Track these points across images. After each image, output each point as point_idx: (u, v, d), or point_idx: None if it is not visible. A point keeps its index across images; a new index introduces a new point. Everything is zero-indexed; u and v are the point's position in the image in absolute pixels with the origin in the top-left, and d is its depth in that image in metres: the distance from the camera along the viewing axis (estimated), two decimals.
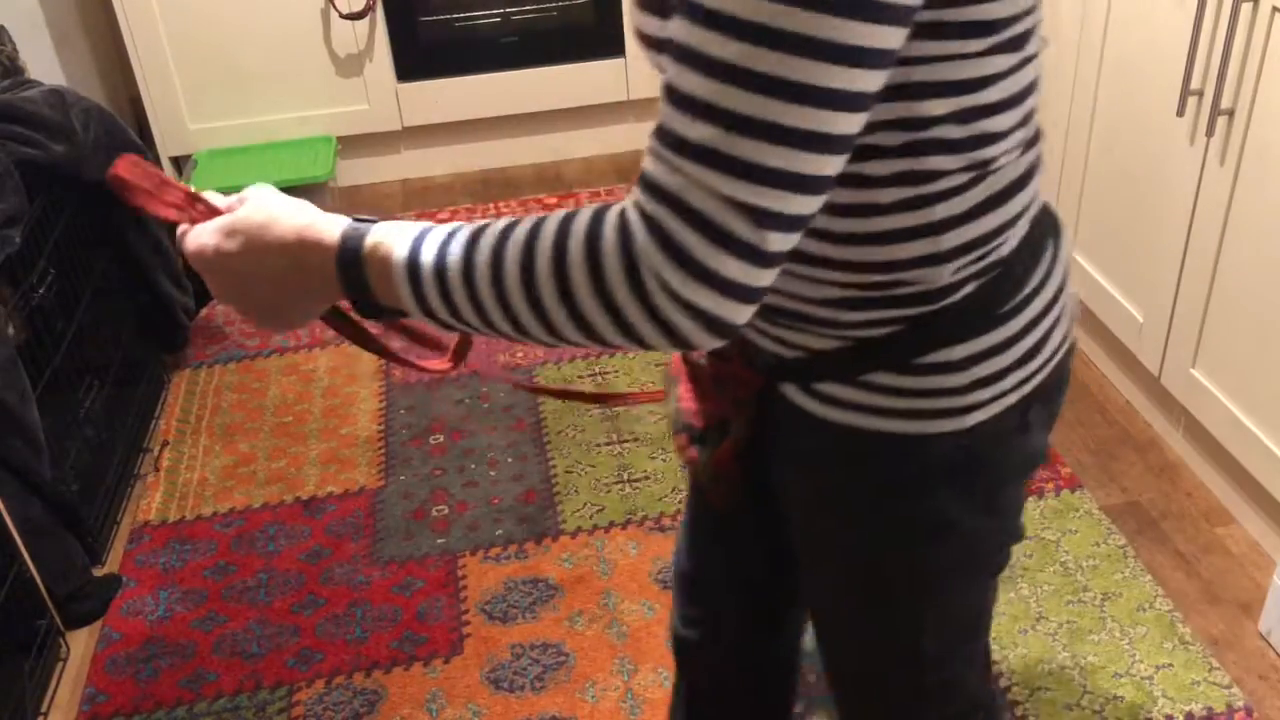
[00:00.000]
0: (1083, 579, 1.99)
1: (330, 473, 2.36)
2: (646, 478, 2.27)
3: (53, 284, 2.19)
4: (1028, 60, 0.81)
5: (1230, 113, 1.87)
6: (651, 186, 0.68)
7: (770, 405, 0.97)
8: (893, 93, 0.74)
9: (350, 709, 1.85)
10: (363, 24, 3.24)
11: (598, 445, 2.37)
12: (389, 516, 2.23)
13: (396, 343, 1.02)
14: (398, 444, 2.42)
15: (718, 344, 0.72)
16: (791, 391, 0.94)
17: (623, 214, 0.70)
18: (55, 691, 1.91)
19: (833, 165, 0.68)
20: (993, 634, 1.91)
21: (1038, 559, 2.03)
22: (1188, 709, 1.76)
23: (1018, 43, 0.79)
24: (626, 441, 2.37)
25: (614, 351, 2.65)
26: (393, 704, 1.85)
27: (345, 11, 3.20)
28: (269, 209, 0.84)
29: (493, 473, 2.32)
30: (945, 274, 0.84)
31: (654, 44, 0.77)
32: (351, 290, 0.81)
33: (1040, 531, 2.09)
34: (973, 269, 0.85)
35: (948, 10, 0.73)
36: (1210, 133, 1.91)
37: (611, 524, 2.16)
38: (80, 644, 2.00)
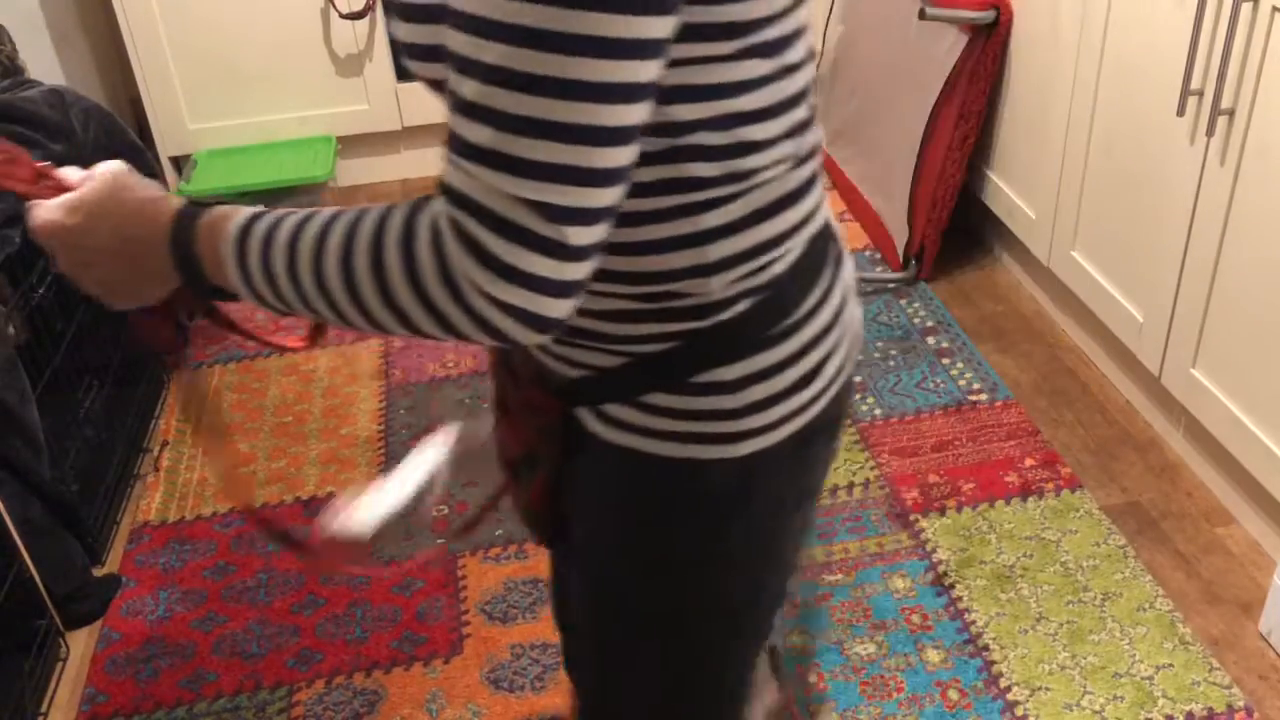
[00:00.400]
0: (1083, 579, 1.99)
1: (330, 473, 2.36)
2: None
3: (53, 284, 2.19)
4: (790, 69, 0.80)
5: (1230, 113, 1.87)
6: (449, 192, 0.70)
7: (570, 434, 0.94)
8: (676, 95, 0.75)
9: (350, 709, 1.85)
10: (362, 24, 3.24)
11: None
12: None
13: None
14: (398, 444, 2.42)
15: (543, 338, 0.73)
16: (584, 415, 0.92)
17: (435, 218, 0.71)
18: (55, 692, 1.91)
19: (617, 156, 0.69)
20: (994, 634, 1.92)
21: (1038, 559, 2.03)
22: (1188, 709, 1.76)
23: (773, 48, 0.78)
24: None
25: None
26: (393, 704, 1.85)
27: (345, 11, 3.20)
28: (115, 186, 0.86)
29: (493, 473, 2.32)
30: (715, 288, 0.83)
31: (422, 54, 0.77)
32: (182, 265, 0.82)
33: (1040, 532, 2.09)
34: (744, 285, 0.84)
35: (694, 10, 0.72)
36: (1210, 133, 1.91)
37: None
38: (80, 644, 2.00)
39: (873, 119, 3.07)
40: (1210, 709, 1.76)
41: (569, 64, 0.65)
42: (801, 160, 0.85)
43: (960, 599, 1.97)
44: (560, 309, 0.72)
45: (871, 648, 1.89)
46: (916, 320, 2.70)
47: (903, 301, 2.76)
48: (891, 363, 2.56)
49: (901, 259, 2.84)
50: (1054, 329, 2.65)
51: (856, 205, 3.12)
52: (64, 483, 2.07)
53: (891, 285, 2.83)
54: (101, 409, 2.33)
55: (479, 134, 0.68)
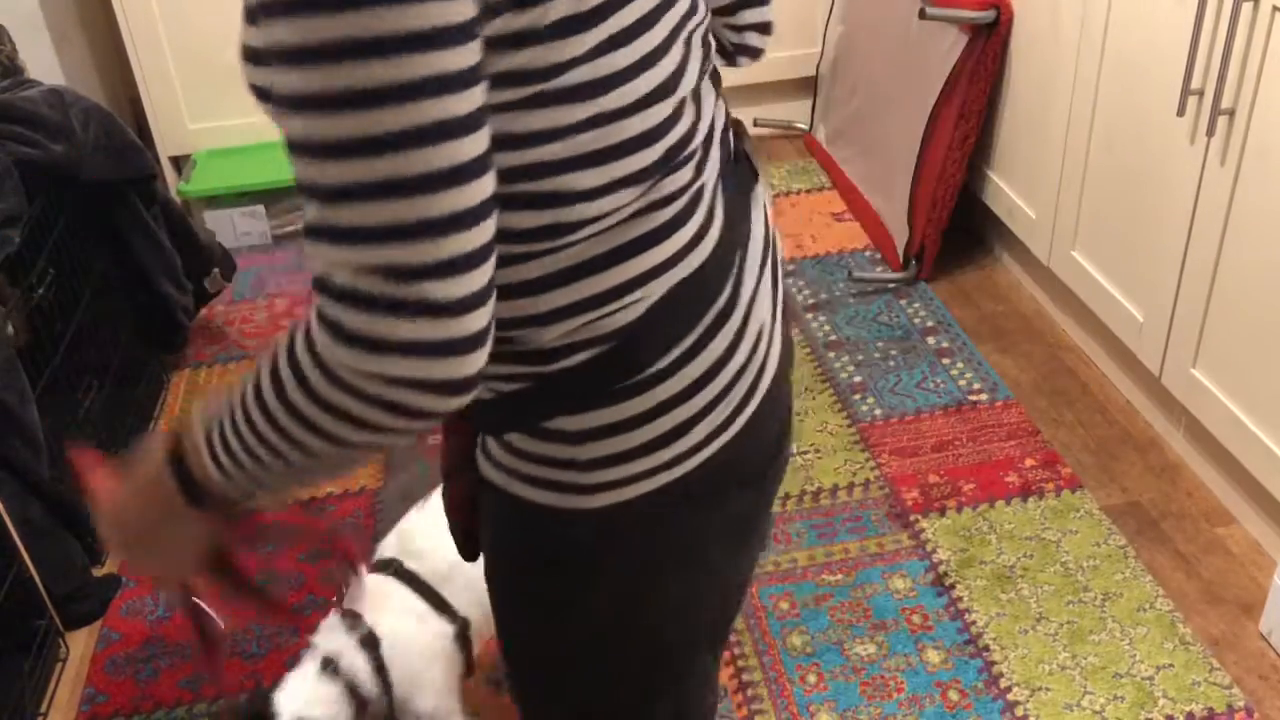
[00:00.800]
0: (1083, 579, 1.99)
1: None
2: None
3: (52, 284, 2.18)
4: (610, 117, 0.73)
5: (1231, 112, 1.87)
6: (313, 282, 0.67)
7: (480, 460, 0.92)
8: None
9: None
10: None
11: None
12: (389, 516, 2.23)
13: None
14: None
15: (461, 401, 0.69)
16: (480, 448, 0.90)
17: (305, 316, 0.69)
18: (55, 692, 1.91)
19: (456, 198, 0.65)
20: (994, 634, 1.92)
21: (1038, 559, 2.03)
22: (1188, 709, 1.76)
23: (577, 94, 0.71)
24: None
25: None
26: None
27: None
28: (146, 451, 0.84)
29: None
30: (548, 336, 0.79)
31: (260, 94, 0.72)
32: (178, 474, 0.80)
33: (1040, 532, 2.08)
34: (581, 336, 0.79)
35: (485, 56, 0.68)
36: (1211, 132, 1.91)
37: None
38: (80, 644, 2.00)
39: (873, 119, 3.06)
40: (1210, 709, 1.76)
41: (366, 120, 0.62)
42: (663, 202, 0.78)
43: (960, 599, 1.96)
44: (462, 367, 0.68)
45: (871, 648, 1.89)
46: (916, 320, 2.69)
47: (903, 301, 2.76)
48: (891, 363, 2.56)
49: (901, 259, 2.84)
50: (1054, 329, 2.64)
51: (856, 205, 3.12)
52: (63, 483, 2.07)
53: (891, 285, 2.83)
54: (101, 409, 2.33)
55: (309, 212, 0.65)
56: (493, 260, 0.68)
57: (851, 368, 2.55)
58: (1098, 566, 2.01)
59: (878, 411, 2.41)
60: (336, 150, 0.63)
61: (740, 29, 1.01)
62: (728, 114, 0.92)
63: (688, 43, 0.81)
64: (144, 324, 2.56)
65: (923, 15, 2.57)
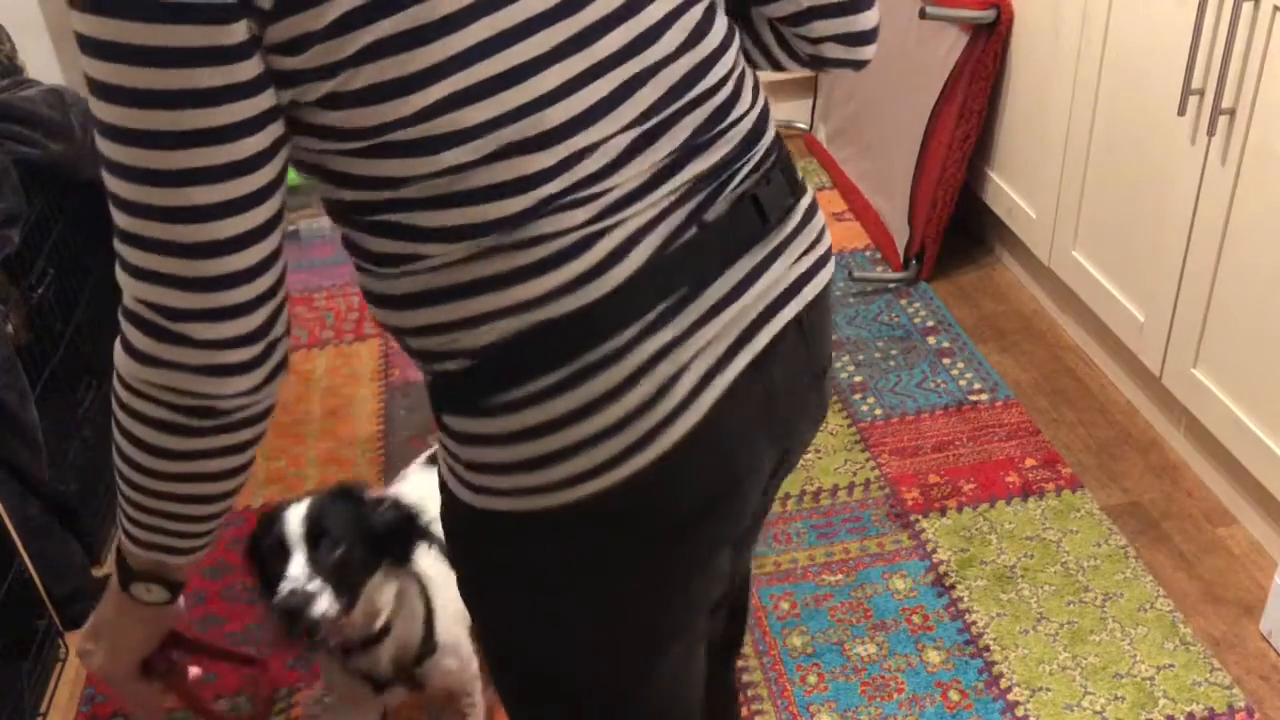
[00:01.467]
0: (1084, 579, 1.99)
1: (330, 473, 2.35)
2: None
3: (52, 284, 2.18)
4: (463, 168, 0.76)
5: (1231, 112, 1.86)
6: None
7: None
8: (322, 175, 0.79)
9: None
10: None
11: None
12: None
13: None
14: (397, 444, 2.42)
15: (242, 405, 0.80)
16: None
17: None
18: (54, 692, 1.91)
19: (221, 265, 0.74)
20: (994, 635, 1.92)
21: (1038, 559, 2.03)
22: (1189, 709, 1.76)
23: (416, 149, 0.74)
24: None
25: None
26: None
27: None
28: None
29: None
30: (423, 344, 0.84)
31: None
32: (119, 565, 0.93)
33: (1041, 532, 2.08)
34: (448, 348, 0.83)
35: (306, 110, 0.74)
36: (1211, 132, 1.90)
37: None
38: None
39: (873, 119, 3.06)
40: (1211, 709, 1.76)
41: (148, 192, 0.71)
42: (532, 242, 0.79)
43: (961, 599, 1.96)
44: (224, 386, 0.78)
45: (872, 648, 1.89)
46: (917, 320, 2.69)
47: (903, 301, 2.76)
48: (892, 363, 2.55)
49: (902, 259, 2.84)
50: (1055, 329, 2.64)
51: (857, 205, 3.12)
52: (63, 483, 2.07)
53: (892, 285, 2.83)
54: (101, 409, 2.33)
55: (115, 239, 0.75)
56: (269, 305, 0.78)
57: (852, 367, 2.55)
58: (1098, 567, 2.01)
59: (878, 411, 2.41)
60: (128, 205, 0.73)
61: (815, 40, 0.99)
62: (760, 158, 0.92)
63: (628, 84, 0.81)
64: None
65: (923, 15, 2.57)
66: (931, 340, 2.62)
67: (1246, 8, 1.78)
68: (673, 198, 0.85)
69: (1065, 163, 2.40)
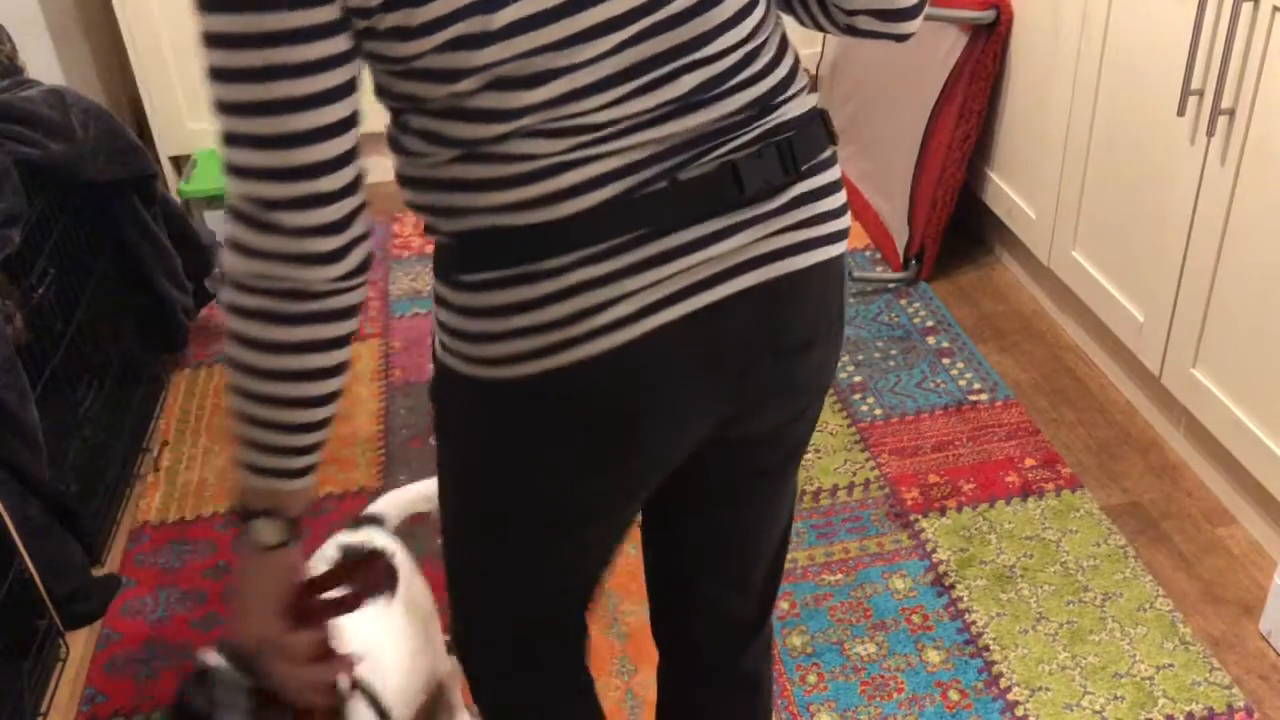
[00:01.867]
0: (1083, 579, 1.99)
1: (330, 473, 2.35)
2: None
3: (52, 284, 2.18)
4: (457, 96, 0.89)
5: (1231, 112, 1.87)
6: None
7: None
8: (374, 87, 0.94)
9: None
10: None
11: None
12: None
13: None
14: (398, 444, 2.42)
15: (329, 278, 0.91)
16: None
17: None
18: (55, 692, 1.91)
19: (306, 154, 0.86)
20: (994, 634, 1.92)
21: (1038, 559, 2.03)
22: (1188, 709, 1.76)
23: (426, 76, 0.88)
24: None
25: None
26: None
27: None
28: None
29: None
30: (421, 216, 1.00)
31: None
32: (240, 513, 1.01)
33: (1041, 531, 2.08)
34: (434, 225, 0.99)
35: (361, 37, 0.87)
36: (1211, 132, 1.91)
37: None
38: (80, 644, 2.00)
39: (873, 119, 3.06)
40: (1211, 709, 1.76)
41: (241, 90, 0.83)
42: (500, 160, 0.92)
43: (960, 599, 1.96)
44: (308, 273, 0.90)
45: (871, 648, 1.89)
46: (916, 320, 2.69)
47: (903, 301, 2.76)
48: (891, 363, 2.56)
49: (902, 259, 2.84)
50: (1054, 329, 2.65)
51: (857, 205, 3.12)
52: (63, 482, 2.07)
53: (892, 285, 2.83)
54: (101, 409, 2.33)
55: (218, 146, 0.88)
56: (350, 200, 0.89)
57: (851, 368, 2.55)
58: (1098, 566, 2.01)
59: (878, 411, 2.41)
60: (225, 107, 0.85)
61: (849, 13, 1.02)
62: (768, 130, 0.99)
63: (633, 39, 0.91)
64: (144, 324, 2.57)
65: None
66: (931, 340, 2.62)
67: (1246, 8, 1.79)
68: (652, 149, 0.94)
69: (1065, 163, 2.40)
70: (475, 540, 1.17)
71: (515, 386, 0.99)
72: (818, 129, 1.03)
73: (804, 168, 1.01)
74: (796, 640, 1.91)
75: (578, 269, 0.94)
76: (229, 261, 0.91)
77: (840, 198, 1.05)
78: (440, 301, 1.01)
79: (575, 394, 1.00)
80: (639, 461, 1.06)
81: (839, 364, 2.55)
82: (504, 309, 0.96)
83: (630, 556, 2.09)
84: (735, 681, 1.36)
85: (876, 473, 2.25)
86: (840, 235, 1.05)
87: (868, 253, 2.96)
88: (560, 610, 1.26)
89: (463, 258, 0.97)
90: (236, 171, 0.87)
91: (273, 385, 0.95)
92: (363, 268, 0.93)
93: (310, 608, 1.03)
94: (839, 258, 1.06)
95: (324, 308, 0.92)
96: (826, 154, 1.04)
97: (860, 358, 2.58)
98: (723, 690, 1.36)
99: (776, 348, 1.05)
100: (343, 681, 1.08)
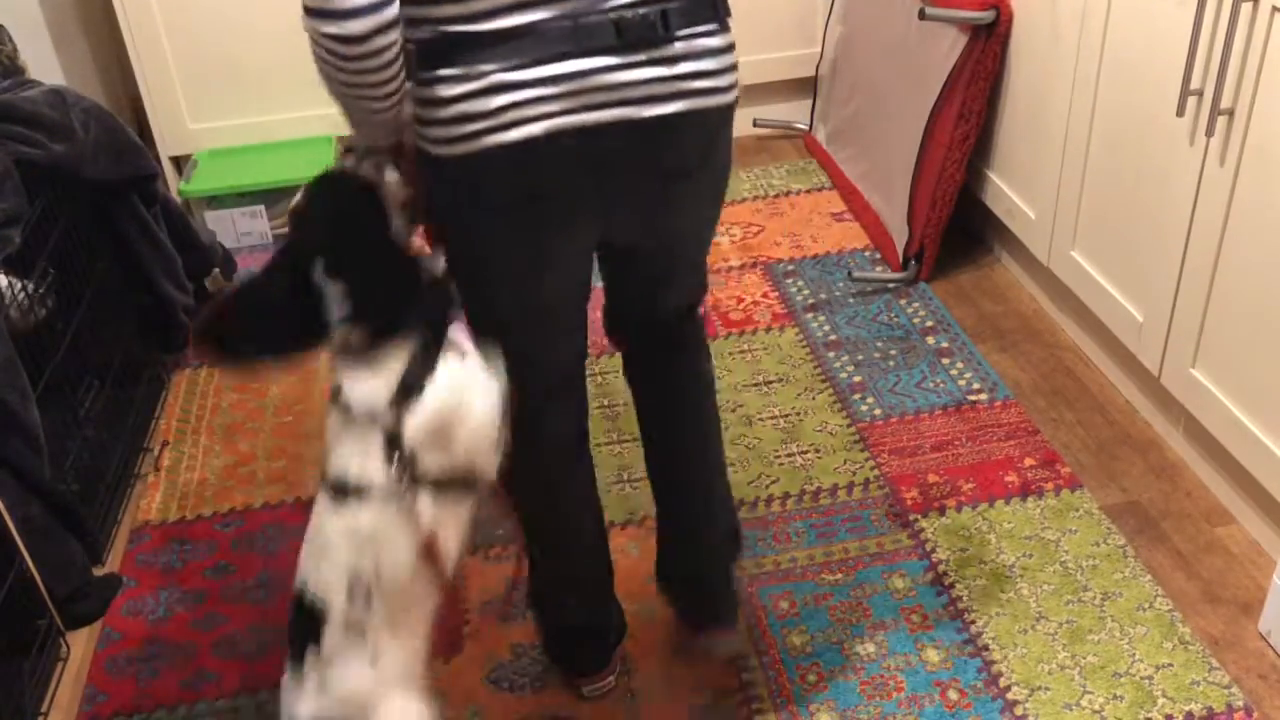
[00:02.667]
0: (1082, 579, 1.99)
1: None
2: (646, 478, 2.26)
3: (53, 284, 2.19)
4: None
5: (1230, 113, 1.87)
6: None
7: None
8: None
9: None
10: None
11: (598, 445, 2.37)
12: None
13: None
14: None
15: (350, 26, 1.22)
16: None
17: None
18: (55, 691, 1.91)
19: None
20: (993, 634, 1.92)
21: (1037, 559, 2.03)
22: (1188, 709, 1.76)
23: None
24: (626, 441, 2.37)
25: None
26: None
27: None
28: None
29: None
30: (404, 29, 1.28)
31: None
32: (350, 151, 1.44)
33: (1040, 531, 2.09)
34: (407, 35, 1.30)
35: None
36: (1210, 133, 1.91)
37: (611, 524, 2.16)
38: (80, 644, 2.00)
39: (872, 119, 3.07)
40: (1210, 709, 1.76)
41: None
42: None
43: (960, 599, 1.97)
44: (344, 28, 1.22)
45: (871, 647, 1.89)
46: (916, 320, 2.70)
47: (902, 301, 2.77)
48: (891, 363, 2.56)
49: (901, 259, 2.84)
50: (1054, 329, 2.65)
51: (856, 205, 3.12)
52: (64, 482, 2.07)
53: (891, 285, 2.83)
54: (101, 409, 2.34)
55: None
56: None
57: (851, 368, 2.55)
58: (1097, 566, 2.01)
59: (877, 411, 2.41)
60: None
61: None
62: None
63: None
64: (144, 324, 2.57)
65: (922, 16, 2.57)
66: (931, 340, 2.62)
67: (1245, 8, 1.79)
68: (564, 6, 1.30)
69: (1064, 163, 2.41)
70: (463, 287, 1.49)
71: (457, 164, 1.35)
72: (703, 6, 1.36)
73: (679, 32, 1.34)
74: (796, 640, 1.91)
75: (499, 73, 1.30)
76: (310, 35, 1.25)
77: (719, 63, 1.38)
78: (411, 98, 1.35)
79: (496, 174, 1.36)
80: (551, 236, 1.43)
81: (839, 364, 2.56)
82: (446, 100, 1.32)
83: (630, 556, 2.09)
84: (672, 353, 1.74)
85: (876, 473, 2.25)
86: (713, 93, 1.38)
87: (867, 253, 2.97)
88: (543, 359, 1.58)
89: (420, 59, 1.32)
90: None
91: (348, 99, 1.33)
92: (387, 28, 1.24)
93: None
94: (712, 111, 1.39)
95: (360, 58, 1.25)
96: (707, 26, 1.36)
97: (860, 358, 2.58)
98: (668, 360, 1.75)
99: (663, 173, 1.42)
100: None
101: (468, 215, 1.41)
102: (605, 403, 2.46)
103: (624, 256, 1.59)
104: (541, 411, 1.60)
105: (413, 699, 1.45)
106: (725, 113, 1.42)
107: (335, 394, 1.40)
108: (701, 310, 1.75)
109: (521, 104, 1.31)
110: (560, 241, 1.44)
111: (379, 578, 1.39)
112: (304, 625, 1.42)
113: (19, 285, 2.09)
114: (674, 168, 1.42)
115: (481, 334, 1.46)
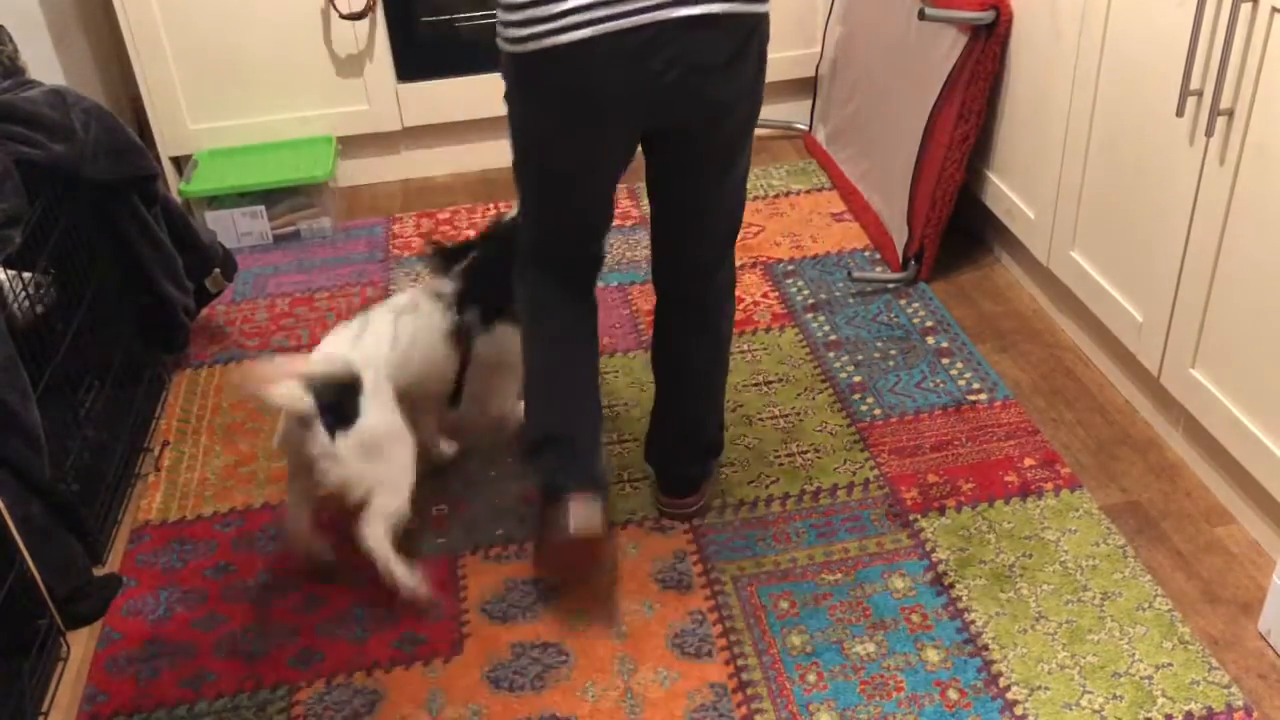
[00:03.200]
0: (1082, 579, 1.99)
1: None
2: (646, 478, 2.27)
3: (53, 284, 2.19)
4: None
5: (1230, 113, 1.87)
6: None
7: None
8: None
9: (350, 709, 1.85)
10: (363, 24, 3.24)
11: None
12: None
13: None
14: None
15: None
16: None
17: None
18: (56, 691, 1.91)
19: None
20: (993, 634, 1.92)
21: (1037, 559, 2.03)
22: (1187, 709, 1.76)
23: None
24: (626, 441, 2.37)
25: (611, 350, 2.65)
26: (393, 704, 1.85)
27: (345, 12, 3.20)
28: None
29: (493, 472, 2.32)
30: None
31: None
32: None
33: (1040, 531, 2.09)
34: None
35: None
36: (1210, 133, 1.91)
37: (611, 524, 2.16)
38: (81, 644, 2.00)
39: (872, 119, 3.07)
40: (1209, 708, 1.76)
41: None
42: None
43: (960, 599, 1.97)
44: None
45: (871, 647, 1.89)
46: (916, 320, 2.70)
47: (902, 301, 2.77)
48: (891, 363, 2.56)
49: (901, 259, 2.84)
50: (1053, 329, 2.65)
51: (856, 205, 3.12)
52: (64, 482, 2.07)
53: (891, 285, 2.83)
54: (102, 409, 2.34)
55: None
56: None
57: (851, 368, 2.55)
58: (1097, 566, 2.01)
59: (877, 411, 2.41)
60: None
61: None
62: None
63: None
64: (145, 324, 2.57)
65: (922, 16, 2.57)
66: (930, 340, 2.62)
67: (1245, 8, 1.79)
68: None
69: (1064, 163, 2.41)
70: (517, 167, 1.87)
71: (522, 60, 1.67)
72: None
73: None
74: (796, 639, 1.92)
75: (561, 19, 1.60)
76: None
77: None
78: (497, 4, 1.66)
79: (551, 72, 1.66)
80: (594, 129, 1.74)
81: (839, 364, 2.56)
82: (515, 5, 1.63)
83: (630, 557, 2.09)
84: (695, 309, 2.02)
85: (876, 472, 2.25)
86: (747, 2, 1.65)
87: (867, 253, 2.97)
88: (572, 227, 1.92)
89: None
90: None
91: None
92: None
93: None
94: (746, 16, 1.66)
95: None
96: None
97: (860, 358, 2.58)
98: (689, 312, 2.02)
99: (687, 64, 1.66)
100: None
101: (526, 99, 1.75)
102: (606, 403, 2.46)
103: (659, 159, 1.86)
104: (551, 254, 1.95)
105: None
106: (751, 20, 1.68)
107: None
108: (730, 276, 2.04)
109: (573, 11, 1.60)
110: (600, 140, 1.76)
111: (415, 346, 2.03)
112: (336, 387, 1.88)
113: (28, 277, 2.09)
114: (697, 62, 1.66)
115: (522, 189, 1.91)
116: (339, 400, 1.84)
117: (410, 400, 2.00)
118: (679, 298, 2.02)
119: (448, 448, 2.32)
